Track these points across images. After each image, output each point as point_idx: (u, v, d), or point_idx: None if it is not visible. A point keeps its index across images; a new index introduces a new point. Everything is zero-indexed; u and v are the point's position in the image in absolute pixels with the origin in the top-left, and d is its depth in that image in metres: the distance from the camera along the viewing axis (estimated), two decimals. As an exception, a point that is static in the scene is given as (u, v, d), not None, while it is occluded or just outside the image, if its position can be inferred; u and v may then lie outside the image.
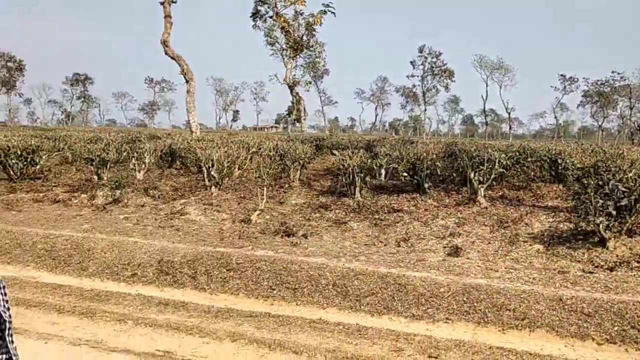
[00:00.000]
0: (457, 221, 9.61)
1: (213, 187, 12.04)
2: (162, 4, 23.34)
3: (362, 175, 11.43)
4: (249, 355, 5.22)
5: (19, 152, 13.27)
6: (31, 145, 13.87)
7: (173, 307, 6.75)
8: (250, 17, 34.55)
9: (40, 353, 4.81)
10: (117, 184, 11.71)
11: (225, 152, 12.95)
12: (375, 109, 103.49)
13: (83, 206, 11.42)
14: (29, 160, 13.46)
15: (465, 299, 6.62)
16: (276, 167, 13.18)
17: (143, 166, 13.64)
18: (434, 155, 11.68)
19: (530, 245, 8.43)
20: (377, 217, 10.03)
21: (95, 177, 13.19)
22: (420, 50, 76.01)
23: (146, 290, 7.46)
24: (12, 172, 13.14)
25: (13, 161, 13.13)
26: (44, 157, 14.04)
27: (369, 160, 12.30)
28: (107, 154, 13.45)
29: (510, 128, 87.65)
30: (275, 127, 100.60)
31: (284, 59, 37.94)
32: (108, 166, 13.40)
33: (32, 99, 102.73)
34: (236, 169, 13.50)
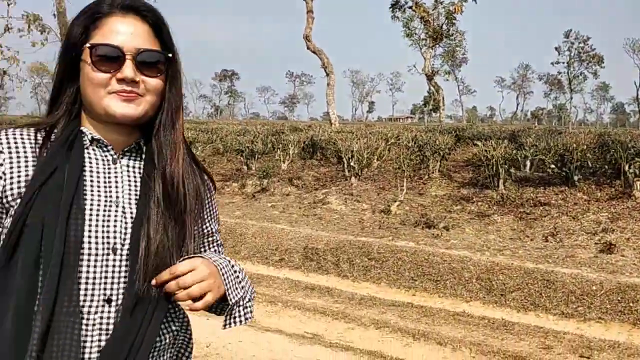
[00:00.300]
0: (609, 216, 9.00)
1: (353, 177, 12.31)
2: (304, -1, 24.09)
3: (506, 166, 11.07)
4: (393, 344, 5.34)
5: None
6: (188, 138, 15.09)
7: (319, 292, 7.06)
8: (389, 8, 34.53)
9: (203, 329, 5.28)
10: (264, 173, 12.38)
11: (365, 143, 13.17)
12: (517, 97, 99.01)
13: (234, 194, 12.23)
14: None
15: (619, 298, 6.23)
16: (415, 158, 13.16)
17: (287, 157, 14.28)
18: (584, 146, 11.00)
19: (699, 244, 7.69)
20: (522, 210, 9.68)
21: (245, 167, 14.04)
22: (567, 36, 71.28)
23: (293, 275, 7.86)
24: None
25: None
26: (199, 149, 15.19)
27: (514, 151, 11.87)
28: (255, 145, 14.25)
29: (670, 116, 79.54)
30: (411, 117, 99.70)
31: (422, 49, 37.50)
32: (256, 157, 14.19)
33: (185, 95, 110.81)
34: (375, 160, 13.67)
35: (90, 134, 1.22)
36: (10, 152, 1.16)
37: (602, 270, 6.99)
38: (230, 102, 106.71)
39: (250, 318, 1.28)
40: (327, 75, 23.76)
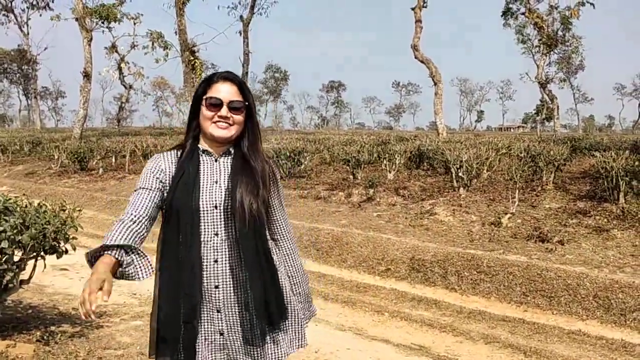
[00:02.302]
0: None
1: (461, 188, 12.07)
2: (413, 9, 23.99)
3: (627, 179, 10.39)
4: (503, 359, 5.20)
5: (288, 154, 14.92)
6: (297, 148, 15.50)
7: (425, 304, 7.01)
8: (501, 15, 33.48)
9: (313, 335, 5.43)
10: (370, 183, 12.46)
11: (474, 153, 12.87)
12: (639, 105, 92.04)
13: (340, 203, 12.39)
14: (295, 160, 15.05)
15: None
16: (527, 169, 12.67)
17: (393, 167, 14.26)
18: None
19: None
20: (646, 226, 9.04)
21: (351, 176, 14.19)
22: (701, 35, 65.37)
23: (399, 286, 7.86)
24: (281, 171, 14.82)
25: (283, 161, 14.81)
26: (307, 158, 15.56)
27: (636, 163, 11.11)
28: (361, 155, 14.37)
29: None
30: (523, 126, 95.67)
31: (535, 55, 36.01)
32: (362, 166, 14.30)
33: (293, 106, 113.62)
34: (484, 171, 13.32)
35: (203, 147, 2.23)
36: (165, 161, 2.23)
37: None
38: (337, 113, 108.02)
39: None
40: (435, 84, 23.47)
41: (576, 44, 35.14)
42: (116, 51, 33.73)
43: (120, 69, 34.95)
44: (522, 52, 37.46)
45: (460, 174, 12.22)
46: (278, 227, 2.31)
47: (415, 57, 23.59)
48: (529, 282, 7.23)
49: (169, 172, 2.18)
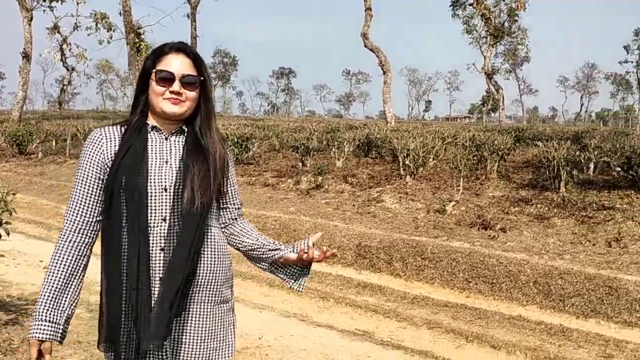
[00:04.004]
0: (681, 223, 8.57)
1: (408, 176, 12.18)
2: (362, -3, 23.97)
3: (568, 168, 10.70)
4: (446, 344, 5.25)
5: (236, 140, 14.70)
6: (245, 134, 15.29)
7: (371, 290, 7.02)
8: (450, 6, 33.93)
9: (256, 321, 5.35)
10: (319, 170, 12.41)
11: (421, 141, 12.99)
12: (581, 98, 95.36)
13: (289, 190, 12.30)
14: (243, 147, 14.84)
15: (690, 309, 5.93)
16: (472, 158, 12.89)
17: (342, 154, 14.26)
18: (655, 149, 10.50)
19: None
20: (584, 214, 9.33)
21: (300, 163, 14.11)
22: (637, 34, 68.13)
23: (345, 272, 7.85)
24: (228, 158, 14.57)
25: (230, 147, 14.59)
26: (255, 145, 15.37)
27: (577, 153, 11.47)
28: (310, 142, 14.29)
29: None
30: (469, 117, 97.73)
31: (482, 47, 36.71)
32: (311, 154, 14.23)
33: (242, 92, 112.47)
34: (431, 159, 13.48)
35: (151, 124, 1.98)
36: (106, 139, 1.96)
37: (669, 279, 6.67)
38: (287, 100, 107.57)
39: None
40: (384, 73, 23.57)
41: (522, 36, 35.97)
42: (58, 32, 32.42)
43: (62, 50, 33.66)
44: (470, 43, 38.18)
45: (407, 162, 12.32)
46: (235, 206, 2.11)
47: (365, 46, 23.62)
48: (472, 268, 7.34)
49: (112, 150, 1.92)
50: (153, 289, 1.85)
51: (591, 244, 8.24)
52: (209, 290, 1.97)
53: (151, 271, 1.85)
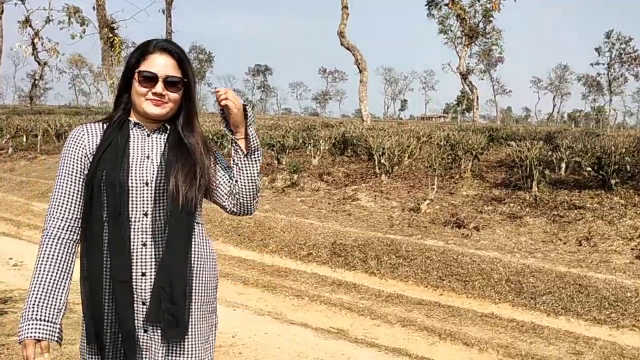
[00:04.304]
0: (648, 222, 8.75)
1: (383, 174, 12.23)
2: (339, -5, 23.98)
3: (540, 168, 10.85)
4: (419, 342, 5.29)
5: (211, 137, 14.61)
6: (220, 131, 15.18)
7: (345, 288, 7.04)
8: (425, 5, 34.14)
9: (230, 320, 5.31)
10: (294, 168, 12.39)
11: (396, 140, 13.06)
12: (553, 98, 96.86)
13: (264, 188, 12.26)
14: (218, 144, 14.75)
15: (656, 307, 6.05)
16: (447, 157, 13.00)
17: (318, 152, 14.26)
18: (623, 149, 10.71)
19: None
20: (555, 213, 9.48)
21: (275, 161, 14.07)
22: (608, 36, 69.42)
23: (320, 270, 7.86)
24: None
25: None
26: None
27: (549, 153, 11.64)
28: (286, 140, 14.27)
29: None
30: (444, 116, 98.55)
31: (457, 47, 37.03)
32: (287, 152, 14.21)
33: (218, 88, 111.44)
34: (406, 158, 13.56)
35: (134, 120, 1.97)
36: (88, 134, 1.95)
37: (637, 277, 6.80)
38: (263, 97, 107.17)
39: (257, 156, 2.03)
40: (360, 72, 23.64)
41: (496, 36, 36.33)
42: (30, 25, 31.88)
43: (33, 44, 33.07)
44: (445, 43, 38.47)
45: (382, 161, 12.37)
46: (231, 181, 2.04)
47: (341, 44, 23.66)
48: (445, 266, 7.41)
49: (94, 145, 1.91)
50: (135, 284, 1.84)
51: (562, 243, 8.37)
52: (200, 290, 1.96)
53: (133, 266, 1.83)
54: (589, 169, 10.94)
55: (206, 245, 2.00)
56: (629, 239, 8.30)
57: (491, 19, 33.08)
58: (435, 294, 7.01)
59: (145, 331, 1.86)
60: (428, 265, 7.55)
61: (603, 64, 71.02)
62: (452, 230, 9.12)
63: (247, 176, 2.01)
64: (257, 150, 2.01)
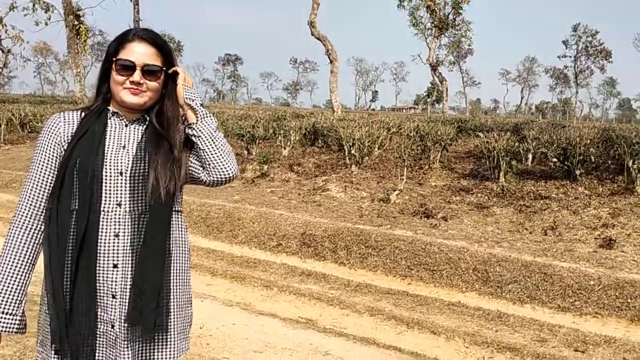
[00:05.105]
0: (611, 212, 8.95)
1: (353, 165, 12.26)
2: (310, -15, 23.86)
3: (507, 159, 11.01)
4: (387, 331, 5.32)
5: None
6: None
7: (314, 278, 7.04)
8: (397, -4, 34.25)
9: (198, 311, 5.26)
10: (264, 159, 12.33)
11: (366, 131, 13.09)
12: (522, 90, 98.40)
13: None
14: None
15: (617, 294, 6.20)
16: (416, 148, 13.09)
17: (288, 143, 14.21)
18: (588, 141, 10.93)
19: (698, 242, 7.65)
20: (522, 203, 9.63)
21: (245, 151, 13.98)
22: (575, 29, 70.83)
23: (290, 260, 7.84)
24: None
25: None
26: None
27: (516, 144, 11.81)
28: (256, 130, 14.18)
29: (676, 114, 78.81)
30: (414, 108, 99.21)
31: (427, 38, 37.26)
32: (257, 142, 14.12)
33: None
34: (376, 149, 13.61)
35: (112, 109, 1.95)
36: (64, 122, 1.93)
37: (600, 266, 6.96)
38: (233, 87, 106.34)
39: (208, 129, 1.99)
40: (331, 62, 23.60)
41: (466, 28, 36.66)
42: (-8, 12, 30.93)
43: (-4, 31, 32.10)
44: (415, 35, 38.68)
45: (352, 152, 12.39)
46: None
47: (312, 34, 23.57)
48: (414, 256, 7.46)
49: (70, 133, 1.88)
50: (105, 276, 1.80)
51: (528, 232, 8.51)
52: (177, 282, 1.94)
53: (102, 257, 1.80)
54: (555, 159, 11.14)
55: (184, 235, 1.99)
56: (592, 228, 8.48)
57: (460, 11, 33.35)
58: (403, 284, 7.06)
59: (113, 326, 1.81)
60: (397, 255, 7.60)
61: (570, 57, 72.54)
62: (421, 220, 9.19)
63: (206, 138, 1.97)
64: (206, 117, 2.00)
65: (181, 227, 1.98)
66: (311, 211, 9.77)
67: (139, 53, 1.88)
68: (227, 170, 2.01)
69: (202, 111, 1.99)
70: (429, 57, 34.54)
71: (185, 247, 1.99)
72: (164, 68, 1.94)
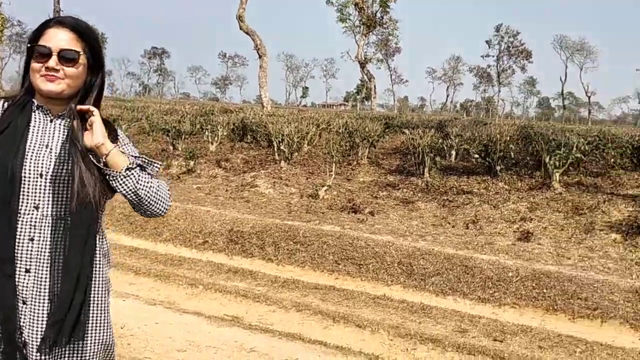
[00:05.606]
0: (529, 206, 9.36)
1: (282, 161, 12.23)
2: (238, -22, 23.60)
3: (432, 155, 11.30)
4: (314, 326, 5.34)
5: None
6: (112, 115, 14.52)
7: (241, 275, 6.97)
8: (324, -8, 34.42)
9: (119, 310, 5.09)
10: (191, 154, 12.10)
11: (296, 127, 13.09)
12: (447, 89, 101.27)
13: (159, 175, 11.87)
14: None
15: (534, 284, 6.49)
16: (345, 144, 13.22)
17: (216, 138, 14.01)
18: (508, 138, 11.38)
19: (607, 233, 8.12)
20: (445, 198, 9.91)
21: (171, 147, 13.67)
22: (497, 30, 73.62)
23: (216, 258, 7.73)
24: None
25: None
26: (123, 127, 14.65)
27: (440, 141, 12.13)
28: (182, 125, 13.88)
29: (589, 112, 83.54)
30: (344, 104, 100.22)
31: (355, 35, 37.69)
32: (183, 137, 13.83)
33: (112, 71, 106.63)
34: (305, 145, 13.63)
35: (37, 102, 1.81)
36: None
37: (518, 258, 7.26)
38: (160, 81, 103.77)
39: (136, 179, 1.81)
40: (260, 57, 23.45)
41: (393, 26, 37.33)
42: None
43: None
44: (344, 32, 39.03)
45: (282, 148, 12.36)
46: None
47: (240, 28, 23.32)
48: (341, 250, 7.53)
49: None
50: (17, 280, 1.71)
51: (451, 226, 8.77)
52: (98, 287, 1.85)
53: (17, 261, 1.70)
54: (477, 156, 11.52)
55: (103, 238, 1.90)
56: (511, 221, 8.84)
57: (388, 9, 33.93)
58: (330, 278, 7.10)
59: (22, 333, 1.72)
60: (324, 250, 7.64)
61: (493, 57, 75.27)
62: (349, 215, 9.29)
63: (129, 195, 1.82)
64: (129, 177, 1.79)
65: (101, 230, 1.87)
66: (239, 207, 9.67)
67: (56, 39, 1.76)
68: (154, 214, 1.90)
69: (126, 170, 1.79)
70: (358, 55, 34.95)
71: (104, 251, 1.88)
72: (84, 53, 1.80)
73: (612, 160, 12.01)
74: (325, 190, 10.45)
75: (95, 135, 1.75)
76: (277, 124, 13.22)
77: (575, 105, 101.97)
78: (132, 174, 1.78)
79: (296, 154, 12.87)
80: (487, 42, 74.59)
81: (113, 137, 1.84)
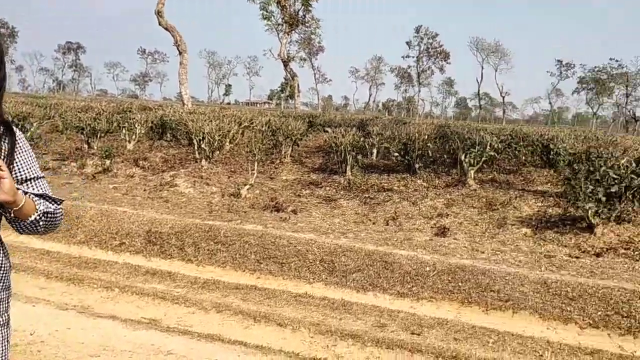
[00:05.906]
0: (445, 202, 9.66)
1: (203, 160, 12.01)
2: (157, -28, 22.99)
3: (353, 153, 11.43)
4: (234, 326, 5.26)
5: (10, 118, 13.15)
6: (22, 112, 13.75)
7: (160, 277, 6.77)
8: (246, -11, 34.16)
9: (28, 316, 4.82)
10: (107, 153, 11.66)
11: (217, 125, 12.89)
12: (370, 88, 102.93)
13: (72, 175, 11.37)
14: (19, 126, 13.33)
15: (450, 278, 6.68)
16: (268, 142, 13.15)
17: (133, 137, 13.56)
18: (426, 136, 11.70)
19: (518, 228, 8.50)
20: (367, 195, 10.06)
21: (86, 146, 13.12)
22: (417, 31, 75.58)
23: (134, 260, 7.48)
24: None
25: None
26: (34, 125, 13.90)
27: (361, 139, 12.30)
28: (98, 123, 13.35)
29: (504, 112, 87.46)
30: (268, 103, 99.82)
31: (278, 34, 37.62)
32: (98, 136, 13.31)
33: (23, 67, 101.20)
34: (227, 143, 13.45)
35: None
36: None
37: (435, 252, 7.46)
38: (75, 77, 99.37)
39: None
40: (180, 53, 22.94)
41: (315, 25, 37.53)
42: None
43: None
44: (266, 29, 38.87)
45: (202, 146, 12.14)
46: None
47: (160, 24, 22.73)
48: (263, 249, 7.47)
49: None
50: None
51: (372, 223, 8.91)
52: None
53: None
54: (396, 154, 11.77)
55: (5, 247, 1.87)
56: (429, 217, 9.08)
57: (310, 8, 34.07)
58: (252, 278, 7.03)
59: None
60: (246, 249, 7.56)
61: (413, 57, 77.19)
62: (271, 214, 9.24)
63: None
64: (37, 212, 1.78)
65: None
66: (157, 207, 9.41)
67: None
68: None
69: (32, 220, 1.79)
70: (280, 53, 34.89)
71: (2, 254, 1.84)
72: None
73: (524, 158, 12.61)
74: (248, 189, 10.35)
75: (5, 195, 1.65)
76: (198, 121, 12.96)
77: (491, 105, 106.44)
78: (38, 221, 1.77)
79: (217, 152, 12.67)
80: (407, 43, 76.46)
81: (11, 142, 1.79)
